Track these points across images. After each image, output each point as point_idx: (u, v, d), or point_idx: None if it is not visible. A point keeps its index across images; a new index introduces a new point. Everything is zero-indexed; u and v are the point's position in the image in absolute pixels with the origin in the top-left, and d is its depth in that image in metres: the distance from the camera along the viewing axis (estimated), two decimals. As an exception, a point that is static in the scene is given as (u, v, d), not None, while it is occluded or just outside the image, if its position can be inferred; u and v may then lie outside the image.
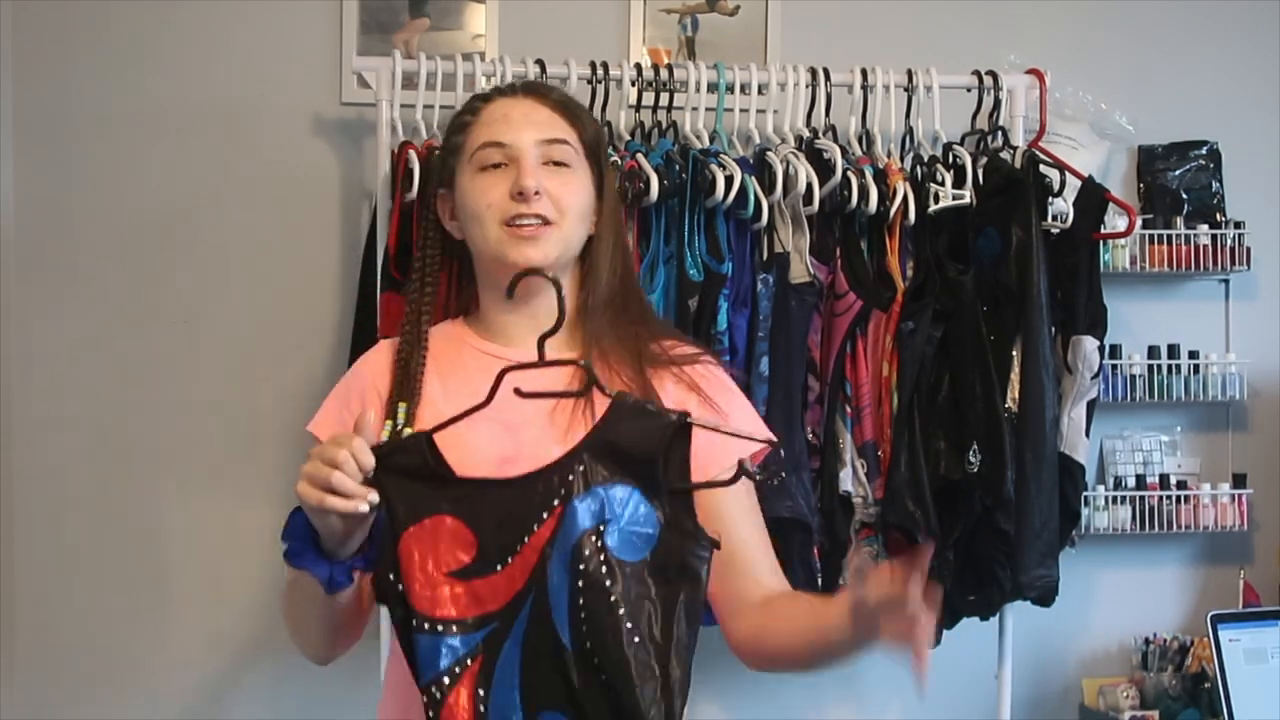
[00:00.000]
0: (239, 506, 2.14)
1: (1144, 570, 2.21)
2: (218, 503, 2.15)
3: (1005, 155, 1.96)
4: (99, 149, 2.12)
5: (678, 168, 1.83)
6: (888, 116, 1.97)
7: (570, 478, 1.29)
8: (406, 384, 1.41)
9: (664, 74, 1.95)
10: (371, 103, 1.93)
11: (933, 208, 1.89)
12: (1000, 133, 1.99)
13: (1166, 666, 2.07)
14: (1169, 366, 2.10)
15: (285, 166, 2.13)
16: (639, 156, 1.84)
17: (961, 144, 1.98)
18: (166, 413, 2.14)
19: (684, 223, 1.84)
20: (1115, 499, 2.10)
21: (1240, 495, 2.13)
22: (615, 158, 1.82)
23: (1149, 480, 2.12)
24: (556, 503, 1.28)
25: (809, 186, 1.84)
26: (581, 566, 1.26)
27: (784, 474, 1.79)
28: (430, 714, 1.25)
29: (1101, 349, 1.94)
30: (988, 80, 1.99)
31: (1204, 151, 2.17)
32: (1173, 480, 2.12)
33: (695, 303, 1.84)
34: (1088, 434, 1.95)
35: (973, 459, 1.85)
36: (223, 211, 2.14)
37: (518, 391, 1.31)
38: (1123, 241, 2.10)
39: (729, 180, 1.81)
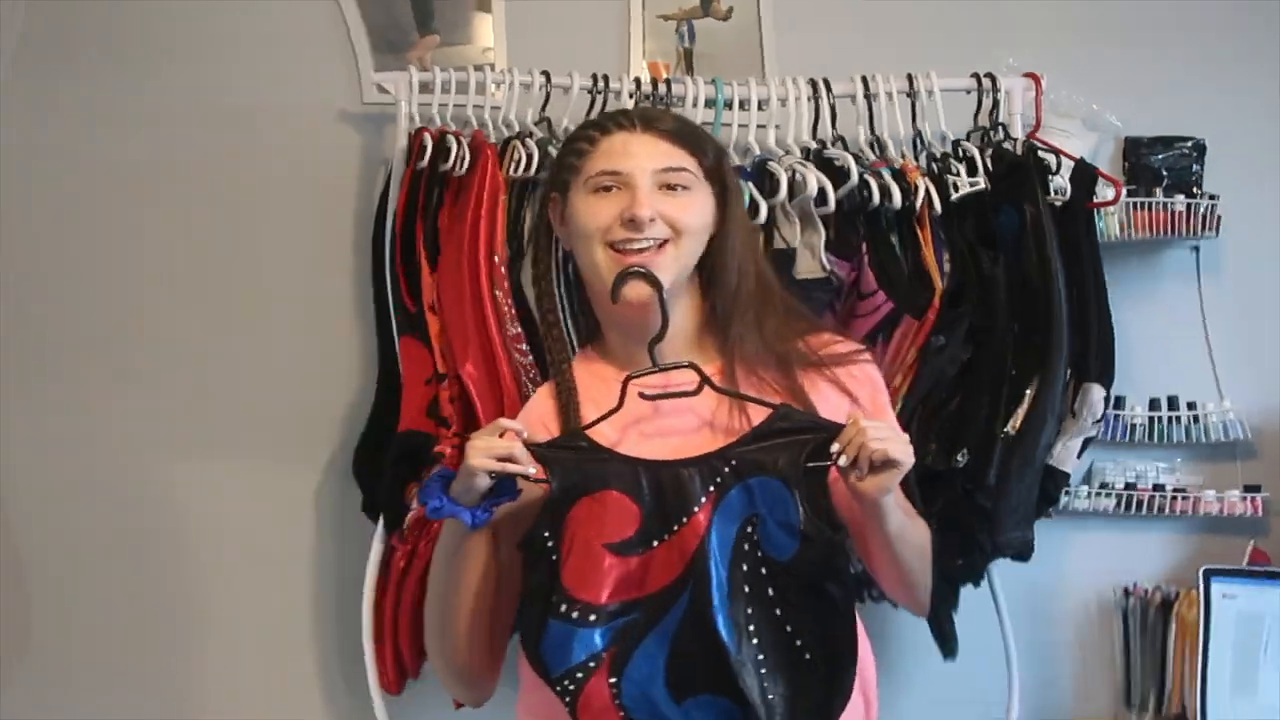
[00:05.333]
0: (257, 504, 2.18)
1: (1129, 533, 2.20)
2: (233, 500, 2.18)
3: (1008, 146, 2.01)
4: (116, 149, 2.16)
5: None
6: (894, 123, 1.99)
7: (725, 468, 1.38)
8: (570, 424, 1.47)
9: (662, 89, 1.99)
10: (390, 102, 2.01)
11: (954, 195, 1.92)
12: (1001, 128, 2.04)
13: (1147, 647, 2.03)
14: (1169, 418, 2.16)
15: (302, 174, 2.19)
16: None
17: (967, 139, 2.03)
18: (181, 411, 2.17)
19: None
20: (1100, 494, 2.14)
21: (1253, 497, 2.11)
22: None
23: (1139, 486, 2.16)
24: (713, 488, 1.37)
25: (821, 189, 1.84)
26: (744, 566, 1.35)
27: None
28: (568, 702, 1.33)
29: (1107, 399, 1.98)
30: (986, 82, 2.04)
31: (1189, 145, 2.26)
32: (1169, 486, 2.14)
33: None
34: (1078, 457, 2.01)
35: (960, 459, 1.87)
36: (244, 213, 2.19)
37: (642, 395, 1.43)
38: (1112, 209, 2.17)
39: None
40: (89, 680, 2.15)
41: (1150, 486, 2.17)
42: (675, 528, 1.36)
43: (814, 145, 1.97)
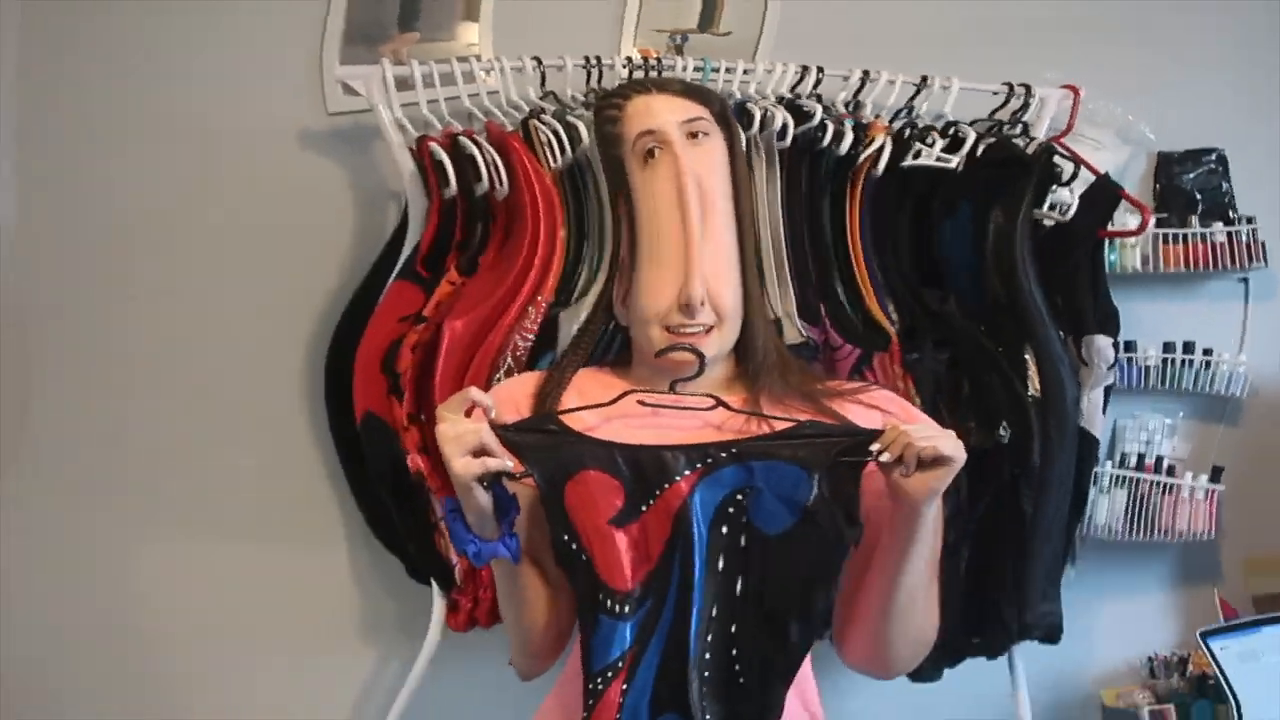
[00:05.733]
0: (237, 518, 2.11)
1: (1132, 595, 2.22)
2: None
3: (1019, 142, 1.91)
4: (80, 166, 2.10)
5: None
6: (887, 96, 1.93)
7: (722, 453, 1.38)
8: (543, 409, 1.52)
9: (653, 61, 1.95)
10: (364, 109, 1.87)
11: (909, 163, 1.84)
12: (1022, 125, 1.96)
13: (1173, 674, 2.12)
14: (1182, 360, 2.11)
15: (270, 180, 2.09)
16: None
17: (971, 125, 1.94)
18: (164, 440, 2.10)
19: None
20: (1118, 479, 2.11)
21: (1213, 491, 2.13)
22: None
23: (1147, 461, 2.14)
24: (700, 465, 1.38)
25: (784, 125, 1.82)
26: (724, 529, 1.37)
27: None
28: (589, 703, 1.37)
29: (1116, 345, 1.92)
30: (1019, 89, 1.97)
31: (1212, 157, 2.17)
32: (1165, 464, 2.14)
33: None
34: (1104, 412, 1.95)
35: (1003, 432, 1.82)
36: (212, 229, 2.11)
37: (642, 402, 1.47)
38: (1132, 241, 2.07)
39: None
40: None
41: (1154, 461, 2.13)
42: (658, 492, 1.39)
43: (789, 96, 1.92)
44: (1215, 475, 2.13)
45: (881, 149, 1.84)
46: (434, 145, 1.79)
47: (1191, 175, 2.16)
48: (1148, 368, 2.11)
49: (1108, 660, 2.20)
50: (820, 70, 1.93)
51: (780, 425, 1.40)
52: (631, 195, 1.56)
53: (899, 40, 2.17)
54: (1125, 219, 2.04)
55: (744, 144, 1.67)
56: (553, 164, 1.81)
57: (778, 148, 1.85)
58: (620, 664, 1.37)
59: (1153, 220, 2.06)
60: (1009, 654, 1.96)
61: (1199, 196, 2.14)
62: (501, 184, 1.79)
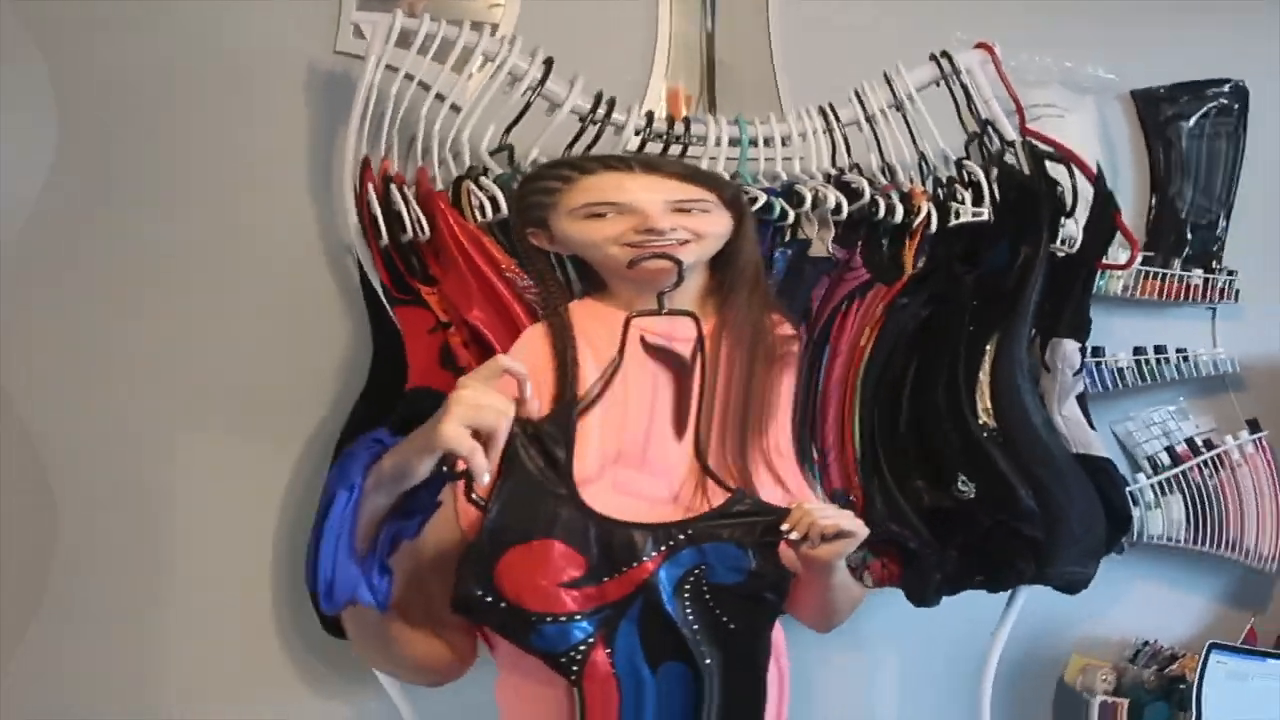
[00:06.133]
0: (247, 495, 2.00)
1: (1174, 585, 2.24)
2: (223, 492, 2.02)
3: (1010, 158, 1.94)
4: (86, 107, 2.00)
5: None
6: (899, 146, 1.95)
7: (681, 535, 1.42)
8: (566, 373, 1.46)
9: (679, 128, 1.87)
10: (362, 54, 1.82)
11: (954, 221, 1.88)
12: (989, 127, 1.97)
13: (1150, 665, 2.15)
14: (1157, 360, 2.14)
15: (279, 114, 2.03)
16: None
17: (967, 154, 1.98)
18: (166, 395, 2.01)
19: None
20: (1163, 486, 2.09)
21: (1261, 440, 2.13)
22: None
23: (1179, 449, 2.13)
24: (664, 548, 1.41)
25: (838, 203, 1.85)
26: (687, 586, 1.40)
27: None
28: (573, 673, 1.36)
29: (1082, 349, 1.92)
30: (946, 65, 1.96)
31: (1226, 89, 2.08)
32: (1199, 441, 2.14)
33: None
34: (1092, 427, 1.91)
35: (963, 487, 1.78)
36: (210, 158, 2.02)
37: (645, 341, 1.49)
38: (1118, 274, 2.12)
39: (753, 200, 1.78)
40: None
41: (1185, 445, 2.13)
42: (623, 570, 1.39)
43: (833, 172, 1.95)
44: (1254, 428, 2.14)
45: (929, 215, 1.87)
46: (370, 188, 1.74)
47: (1192, 121, 2.10)
48: (1120, 369, 2.12)
49: (1103, 628, 2.22)
50: (837, 115, 1.95)
51: (718, 498, 1.47)
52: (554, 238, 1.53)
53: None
54: (1116, 254, 2.05)
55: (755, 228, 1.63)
56: (479, 219, 1.74)
57: (832, 220, 1.87)
58: (591, 640, 1.37)
59: (1139, 257, 2.09)
60: (1011, 593, 1.96)
61: (1189, 236, 2.16)
62: (423, 233, 1.74)
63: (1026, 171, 1.92)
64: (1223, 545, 2.11)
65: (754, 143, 1.92)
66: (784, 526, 1.40)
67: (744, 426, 1.51)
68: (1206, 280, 2.15)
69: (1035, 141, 1.94)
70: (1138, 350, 2.14)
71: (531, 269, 1.58)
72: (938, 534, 1.79)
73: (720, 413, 1.50)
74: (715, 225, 1.51)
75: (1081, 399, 1.93)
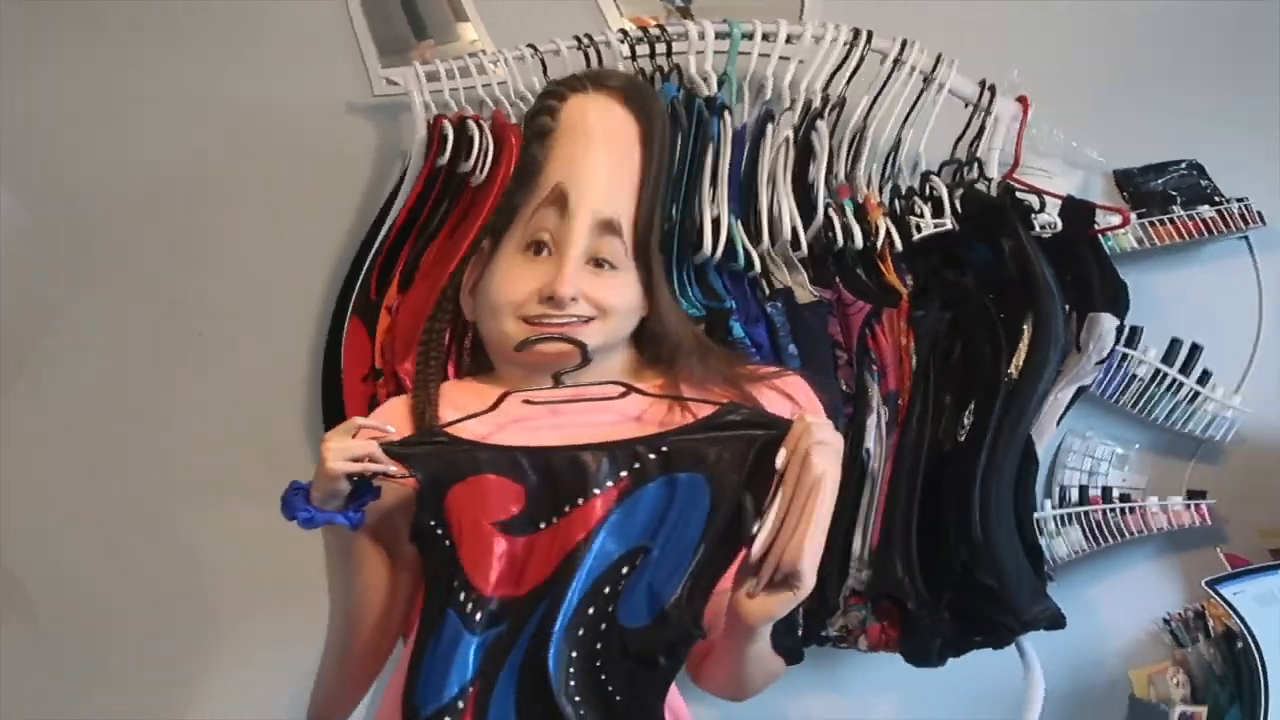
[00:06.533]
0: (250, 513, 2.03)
1: (1124, 573, 2.18)
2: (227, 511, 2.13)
3: (980, 186, 1.96)
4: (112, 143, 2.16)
5: (681, 130, 1.81)
6: (886, 120, 1.94)
7: (652, 454, 1.28)
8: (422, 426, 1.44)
9: (655, 32, 1.91)
10: (401, 93, 1.99)
11: (916, 236, 1.90)
12: (977, 164, 1.99)
13: (1198, 636, 2.05)
14: (1172, 381, 2.05)
15: (315, 167, 2.18)
16: None
17: (939, 173, 1.99)
18: (176, 419, 2.14)
19: (673, 277, 1.80)
20: (1063, 519, 2.08)
21: (1197, 504, 2.07)
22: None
23: (1091, 494, 2.11)
24: (626, 474, 1.28)
25: (794, 231, 1.87)
26: (591, 610, 1.28)
27: None
28: None
29: (1120, 329, 1.90)
30: (985, 99, 1.98)
31: (1182, 166, 2.15)
32: (1115, 494, 2.12)
33: (702, 328, 1.76)
34: (1058, 423, 1.93)
35: (965, 421, 1.82)
36: (253, 209, 2.18)
37: (529, 401, 1.37)
38: (1123, 230, 2.07)
39: (715, 226, 1.82)
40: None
41: (1100, 493, 2.10)
42: (566, 509, 1.29)
43: (816, 104, 1.91)
44: (1194, 496, 2.08)
45: (889, 232, 1.89)
46: (444, 121, 1.91)
47: (1161, 180, 2.14)
48: (1133, 376, 2.06)
49: (1124, 631, 2.16)
50: (870, 39, 1.92)
51: (703, 411, 1.33)
52: (524, 181, 1.49)
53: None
54: (1109, 219, 2.01)
55: (667, 137, 1.60)
56: None
57: (795, 256, 1.89)
58: (461, 704, 1.28)
59: (1133, 216, 2.06)
60: (1017, 641, 1.93)
61: (1175, 194, 2.13)
62: (483, 168, 1.87)
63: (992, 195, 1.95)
64: (1131, 535, 2.08)
65: (749, 36, 1.90)
66: (780, 455, 1.24)
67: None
68: (1220, 210, 2.07)
69: (1012, 182, 1.96)
70: (1174, 343, 2.08)
71: (432, 331, 1.56)
72: (928, 583, 1.82)
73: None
74: (619, 292, 1.45)
75: (1080, 390, 1.93)
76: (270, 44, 2.20)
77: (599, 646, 1.28)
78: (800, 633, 1.80)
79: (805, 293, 1.88)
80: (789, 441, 1.25)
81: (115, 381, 2.14)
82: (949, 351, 1.88)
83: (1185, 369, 2.08)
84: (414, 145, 1.94)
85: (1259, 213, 2.09)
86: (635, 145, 1.49)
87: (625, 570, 1.28)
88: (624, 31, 1.96)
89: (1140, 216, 2.10)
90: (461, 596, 1.28)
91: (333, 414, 1.95)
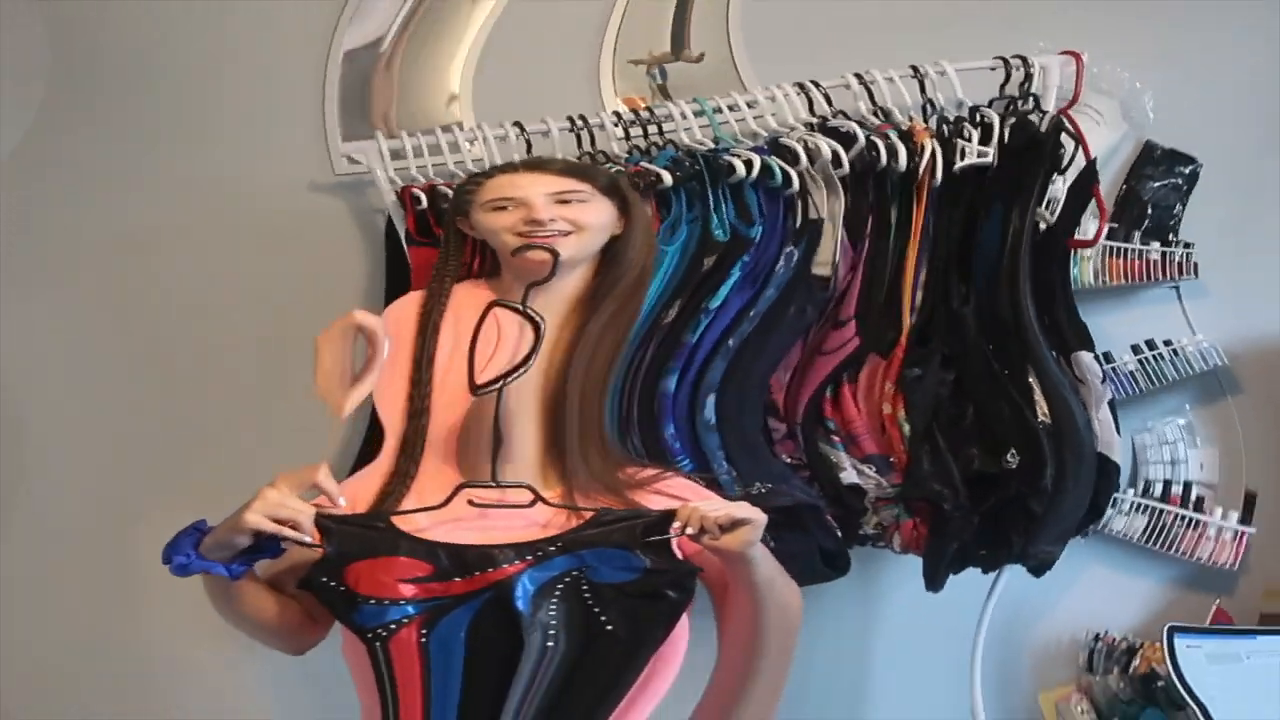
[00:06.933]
0: None
1: (1122, 575, 2.20)
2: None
3: (1034, 118, 1.92)
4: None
5: (688, 164, 1.82)
6: (899, 95, 1.93)
7: (551, 547, 1.42)
8: (425, 337, 1.61)
9: (645, 114, 1.96)
10: (365, 171, 2.04)
11: (958, 164, 1.86)
12: (1033, 99, 1.95)
13: (1112, 668, 2.06)
14: (1155, 356, 2.14)
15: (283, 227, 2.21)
16: (643, 163, 1.85)
17: (989, 106, 1.96)
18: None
19: (707, 196, 1.82)
20: (1138, 506, 2.14)
21: (1242, 534, 2.13)
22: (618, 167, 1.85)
23: (1174, 491, 2.16)
24: (530, 558, 1.40)
25: (835, 153, 1.83)
26: (559, 589, 1.40)
27: (763, 487, 1.77)
28: (377, 647, 1.37)
29: (1096, 359, 1.94)
30: (1016, 61, 1.95)
31: (1186, 170, 2.23)
32: (1193, 494, 2.16)
33: (711, 262, 1.81)
34: (1119, 431, 1.94)
35: (1010, 459, 1.84)
36: (223, 280, 2.24)
37: (471, 503, 1.47)
38: (1088, 253, 2.14)
39: (749, 164, 1.80)
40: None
41: (1181, 489, 2.15)
42: (477, 573, 1.40)
43: (815, 121, 1.93)
44: (1248, 505, 2.13)
45: (934, 155, 1.86)
46: (413, 190, 1.93)
47: (1157, 185, 2.22)
48: (1131, 374, 2.14)
49: (1058, 629, 2.18)
50: (816, 85, 1.94)
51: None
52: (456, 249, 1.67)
53: (868, 30, 2.19)
54: (1087, 227, 2.05)
55: (649, 221, 1.72)
56: None
57: (836, 175, 1.86)
58: (405, 620, 1.38)
59: (1105, 230, 2.10)
60: (995, 574, 2.00)
61: (1149, 212, 2.21)
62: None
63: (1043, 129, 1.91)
64: (1174, 553, 2.13)
65: (718, 110, 1.95)
66: (675, 524, 1.39)
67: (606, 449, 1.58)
68: (1164, 254, 2.18)
69: (1064, 119, 1.93)
70: (1135, 349, 2.16)
71: (446, 245, 1.70)
72: (973, 497, 1.83)
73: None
74: (595, 215, 1.61)
75: (1112, 405, 1.95)
76: (233, 124, 2.25)
77: (585, 590, 1.40)
78: (840, 534, 1.83)
79: (830, 248, 1.85)
80: (679, 518, 1.41)
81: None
82: (958, 418, 1.87)
83: (1151, 347, 2.17)
84: (388, 206, 1.99)
85: (1195, 264, 2.18)
86: (574, 181, 1.63)
87: (576, 572, 1.41)
88: (617, 114, 1.99)
89: (1109, 236, 2.16)
90: (373, 601, 1.39)
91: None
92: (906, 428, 1.85)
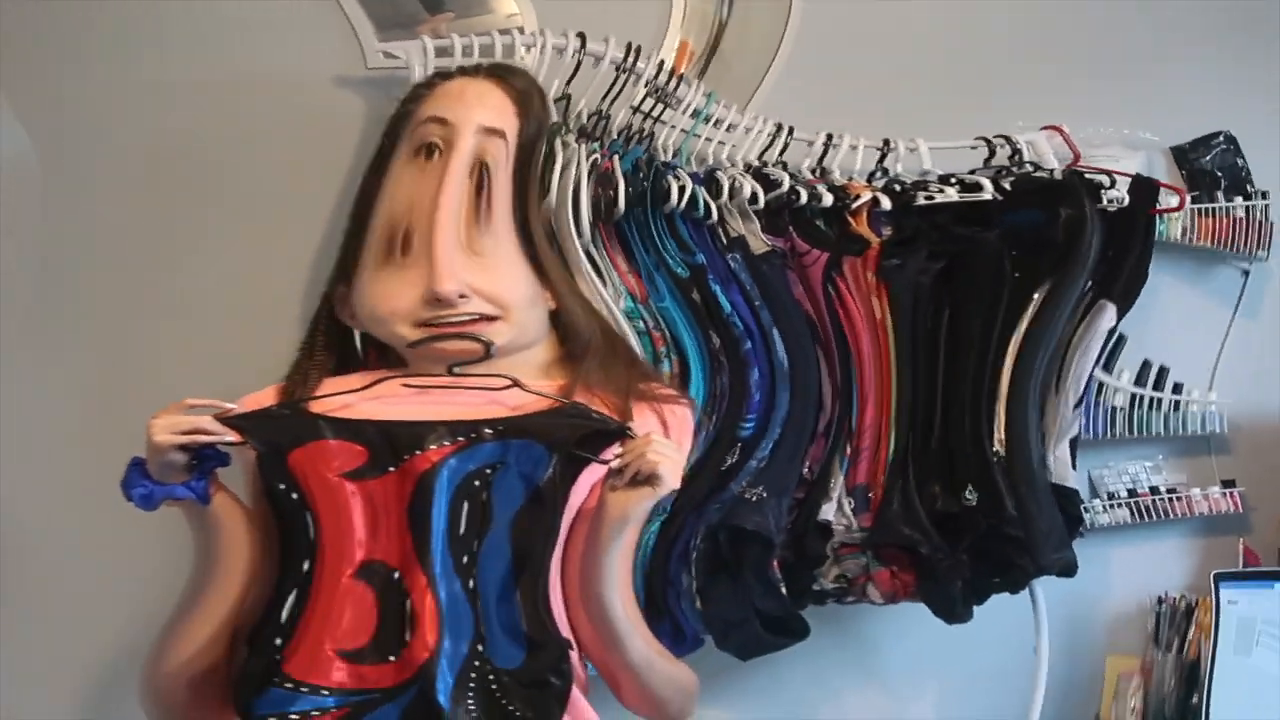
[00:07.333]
0: None
1: (1150, 542, 2.28)
2: None
3: (1041, 175, 1.96)
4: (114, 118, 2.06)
5: (641, 175, 1.82)
6: (852, 161, 1.98)
7: (488, 430, 1.35)
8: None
9: (671, 84, 1.93)
10: (401, 66, 1.87)
11: (921, 202, 1.89)
12: (1031, 166, 2.00)
13: (1173, 641, 2.13)
14: (1151, 400, 2.17)
15: (305, 143, 2.05)
16: (615, 159, 1.83)
17: (974, 173, 1.99)
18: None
19: (651, 230, 1.83)
20: (1113, 505, 2.21)
21: (1232, 492, 2.22)
22: (597, 155, 1.83)
23: (1140, 491, 2.22)
24: (461, 439, 1.35)
25: (754, 192, 1.87)
26: (465, 504, 1.34)
27: (764, 493, 1.78)
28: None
29: (1112, 332, 1.97)
30: (998, 141, 2.00)
31: (1220, 139, 2.25)
32: (1163, 488, 2.22)
33: (698, 295, 1.81)
34: (1074, 468, 2.01)
35: (969, 496, 1.85)
36: (243, 187, 2.07)
37: (407, 385, 1.43)
38: (1176, 215, 2.15)
39: (681, 190, 1.82)
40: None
41: (1148, 489, 2.21)
42: (406, 457, 1.34)
43: (755, 164, 1.98)
44: (1229, 485, 2.21)
45: (876, 199, 1.89)
46: None
47: (1208, 158, 2.24)
48: (1114, 409, 2.16)
49: (1121, 601, 2.25)
50: (790, 132, 1.98)
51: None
52: (380, 186, 1.52)
53: (874, 103, 2.17)
54: (1168, 200, 2.07)
55: (545, 137, 1.63)
56: None
57: (750, 210, 1.88)
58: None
59: (1189, 197, 2.13)
60: (1030, 589, 2.03)
61: (1220, 174, 2.23)
62: None
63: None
64: (1173, 518, 2.21)
65: (709, 120, 1.95)
66: (616, 451, 1.35)
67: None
68: (1248, 210, 2.20)
69: (1078, 169, 1.97)
70: (1141, 372, 2.18)
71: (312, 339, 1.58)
72: (945, 538, 1.85)
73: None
74: (511, 282, 1.50)
75: (1074, 442, 2.01)
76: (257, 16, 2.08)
77: (493, 685, 1.34)
78: (783, 589, 1.80)
79: (759, 241, 1.86)
80: (628, 445, 1.35)
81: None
82: (928, 430, 1.88)
83: (1158, 387, 2.19)
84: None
85: (1271, 224, 2.21)
86: (511, 115, 1.54)
87: (489, 472, 1.34)
88: (660, 65, 1.93)
89: (1194, 201, 2.19)
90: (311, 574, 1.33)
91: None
92: (891, 319, 1.86)
